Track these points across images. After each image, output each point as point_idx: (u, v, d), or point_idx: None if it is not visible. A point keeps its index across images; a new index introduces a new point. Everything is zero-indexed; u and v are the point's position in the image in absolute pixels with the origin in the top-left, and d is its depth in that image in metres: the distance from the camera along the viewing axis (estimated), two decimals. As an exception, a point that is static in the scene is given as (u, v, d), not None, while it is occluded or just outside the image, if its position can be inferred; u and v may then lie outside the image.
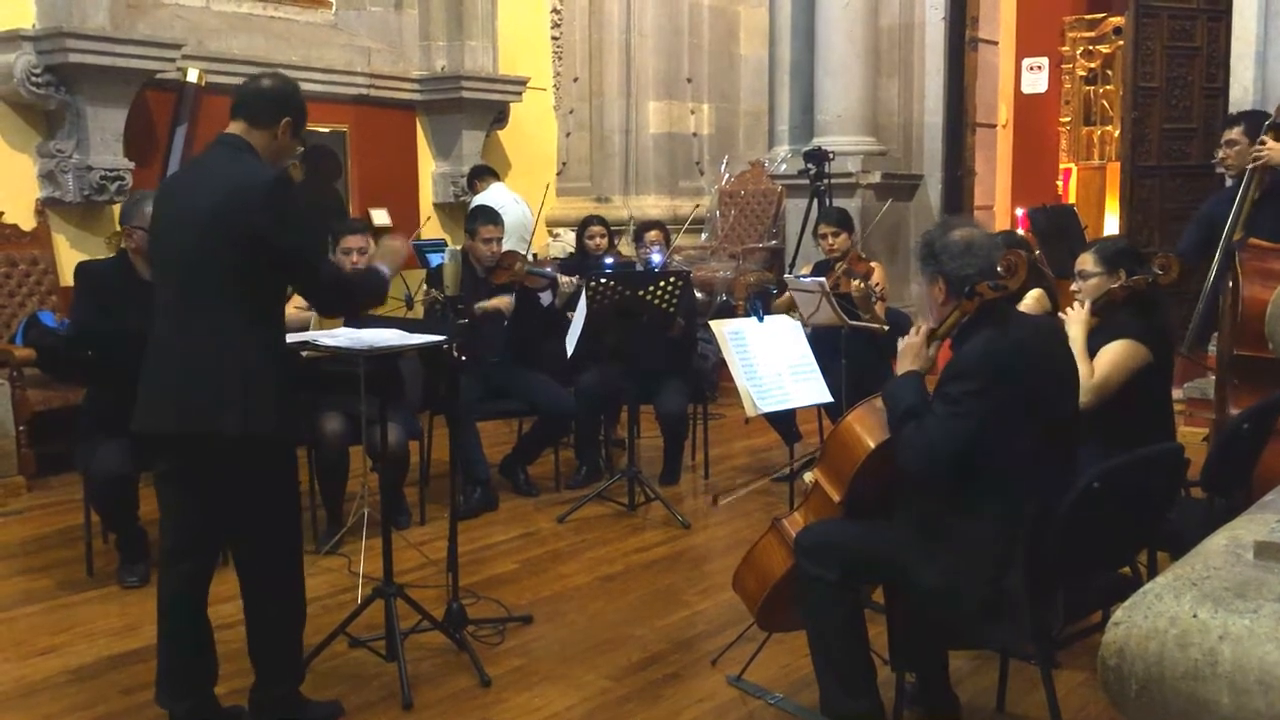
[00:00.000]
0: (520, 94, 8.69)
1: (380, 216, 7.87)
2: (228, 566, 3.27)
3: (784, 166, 9.08)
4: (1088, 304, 3.71)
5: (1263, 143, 4.97)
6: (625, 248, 7.19)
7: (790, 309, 5.69)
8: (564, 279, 5.85)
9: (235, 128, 3.06)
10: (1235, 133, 5.15)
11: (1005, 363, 2.76)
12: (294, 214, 3.00)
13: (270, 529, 3.09)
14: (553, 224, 9.28)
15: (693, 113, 9.87)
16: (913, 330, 3.03)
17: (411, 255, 3.38)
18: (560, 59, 9.59)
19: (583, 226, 6.74)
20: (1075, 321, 3.69)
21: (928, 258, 2.91)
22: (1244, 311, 4.28)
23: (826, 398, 4.72)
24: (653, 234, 6.27)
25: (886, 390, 2.95)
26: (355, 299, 3.34)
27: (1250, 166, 5.00)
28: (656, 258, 6.06)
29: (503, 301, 5.45)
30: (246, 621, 3.16)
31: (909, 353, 2.97)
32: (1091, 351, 3.63)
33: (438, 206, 8.59)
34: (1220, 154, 5.33)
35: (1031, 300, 4.82)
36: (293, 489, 3.18)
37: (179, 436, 3.00)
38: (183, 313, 2.99)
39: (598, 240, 6.58)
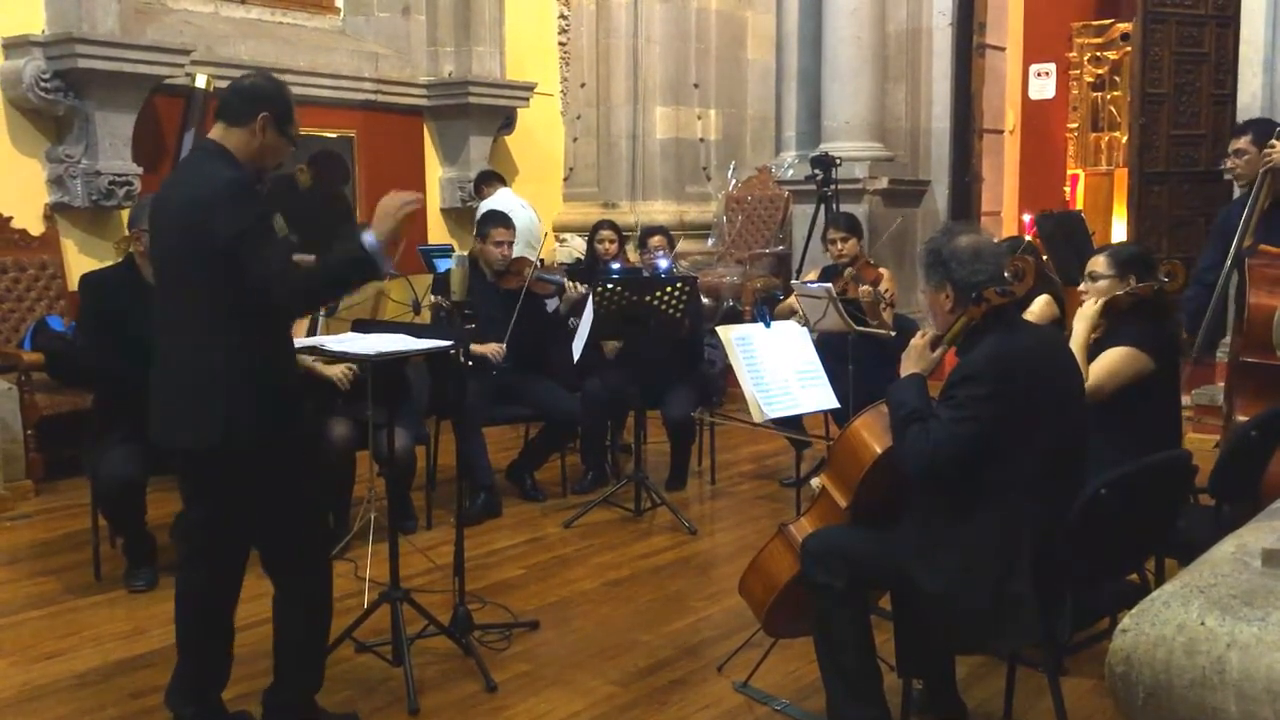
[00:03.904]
0: (527, 99, 8.70)
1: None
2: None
3: (791, 172, 9.08)
4: (1100, 302, 3.69)
5: (1272, 147, 4.96)
6: (630, 253, 7.20)
7: (791, 315, 5.68)
8: (570, 284, 5.85)
9: (215, 131, 3.04)
10: (1243, 142, 5.14)
11: (1011, 368, 2.76)
12: (241, 212, 2.87)
13: (283, 536, 3.07)
14: (560, 229, 9.29)
15: (699, 118, 9.88)
16: (919, 334, 3.03)
17: (414, 222, 3.09)
18: (567, 65, 9.61)
19: (594, 231, 6.75)
20: (1083, 317, 3.67)
21: (935, 264, 2.90)
22: (1249, 318, 4.27)
23: (834, 403, 4.72)
24: (656, 239, 6.27)
25: (889, 392, 2.95)
26: (323, 285, 3.03)
27: (1261, 171, 4.99)
28: (664, 263, 6.06)
29: (493, 349, 5.39)
30: (273, 623, 3.15)
31: (913, 355, 2.98)
32: (1094, 357, 3.62)
33: (445, 212, 8.60)
34: (1229, 163, 5.31)
35: (1039, 305, 4.82)
36: (306, 497, 3.13)
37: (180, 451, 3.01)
38: (170, 323, 3.01)
39: (607, 245, 6.59)
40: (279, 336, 3.08)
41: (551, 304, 5.85)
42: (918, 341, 2.99)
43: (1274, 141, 4.96)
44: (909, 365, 2.97)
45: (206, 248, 2.87)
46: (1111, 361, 3.57)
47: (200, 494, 3.09)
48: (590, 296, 5.39)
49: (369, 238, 2.92)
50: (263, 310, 2.93)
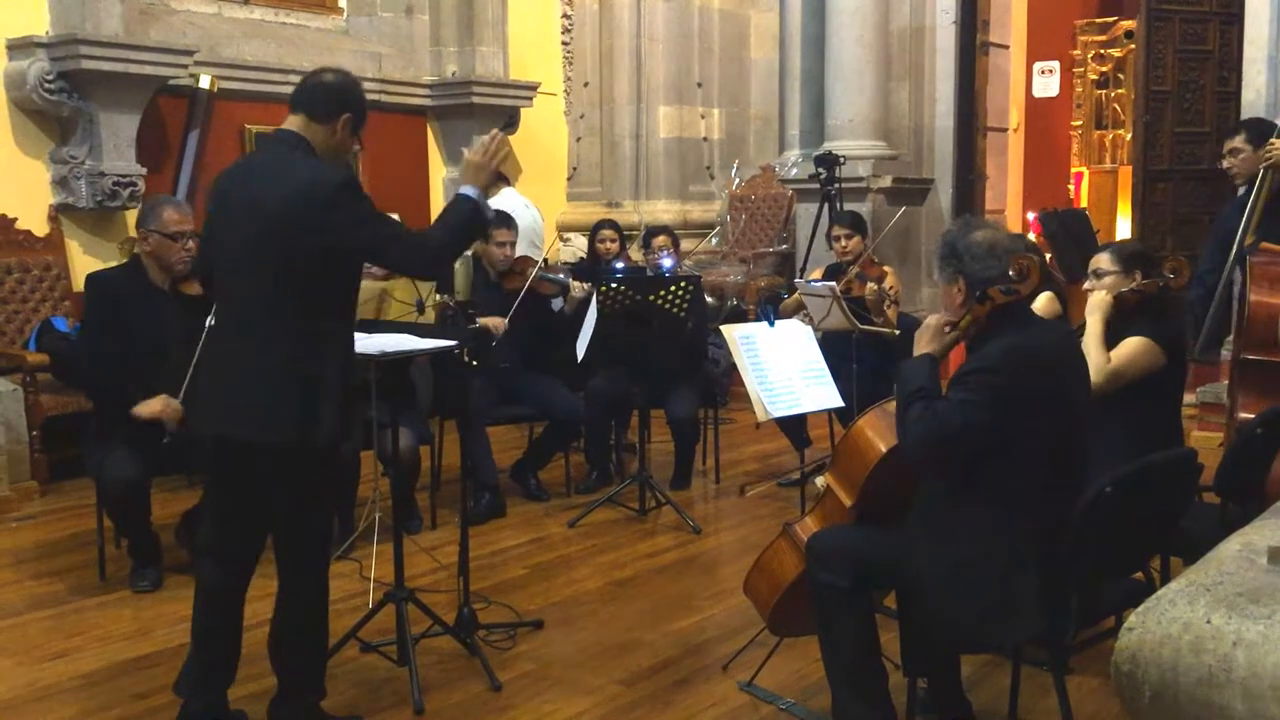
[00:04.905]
0: (531, 99, 8.70)
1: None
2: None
3: (794, 171, 9.07)
4: (1110, 293, 3.67)
5: (1272, 145, 4.96)
6: (634, 253, 7.20)
7: (798, 310, 5.68)
8: (575, 284, 5.84)
9: (292, 122, 2.99)
10: (1238, 141, 5.16)
11: (1024, 362, 2.74)
12: (363, 210, 2.92)
13: (304, 536, 3.07)
14: (563, 228, 9.30)
15: (703, 117, 9.87)
16: (934, 315, 3.01)
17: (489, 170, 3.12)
18: (570, 64, 9.60)
19: (594, 230, 6.75)
20: (1095, 309, 3.67)
21: (949, 257, 2.89)
22: (1251, 315, 4.27)
23: (838, 402, 4.71)
24: (660, 239, 6.26)
25: (899, 369, 2.92)
26: (454, 242, 3.09)
27: (1264, 166, 4.99)
28: (667, 263, 6.05)
29: (495, 323, 5.38)
30: (273, 629, 3.14)
31: (926, 334, 2.93)
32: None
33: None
34: (1226, 163, 5.31)
35: (1042, 302, 4.82)
36: (327, 497, 3.15)
37: (230, 441, 2.96)
38: (243, 314, 2.97)
39: (608, 244, 6.58)
40: (350, 334, 3.08)
41: (556, 303, 5.85)
42: (933, 321, 2.94)
43: (1274, 140, 4.96)
44: (922, 345, 2.92)
45: (314, 241, 2.85)
46: (1132, 349, 3.57)
47: (243, 493, 3.05)
48: (594, 296, 5.39)
49: (469, 190, 3.03)
50: (338, 309, 2.99)
